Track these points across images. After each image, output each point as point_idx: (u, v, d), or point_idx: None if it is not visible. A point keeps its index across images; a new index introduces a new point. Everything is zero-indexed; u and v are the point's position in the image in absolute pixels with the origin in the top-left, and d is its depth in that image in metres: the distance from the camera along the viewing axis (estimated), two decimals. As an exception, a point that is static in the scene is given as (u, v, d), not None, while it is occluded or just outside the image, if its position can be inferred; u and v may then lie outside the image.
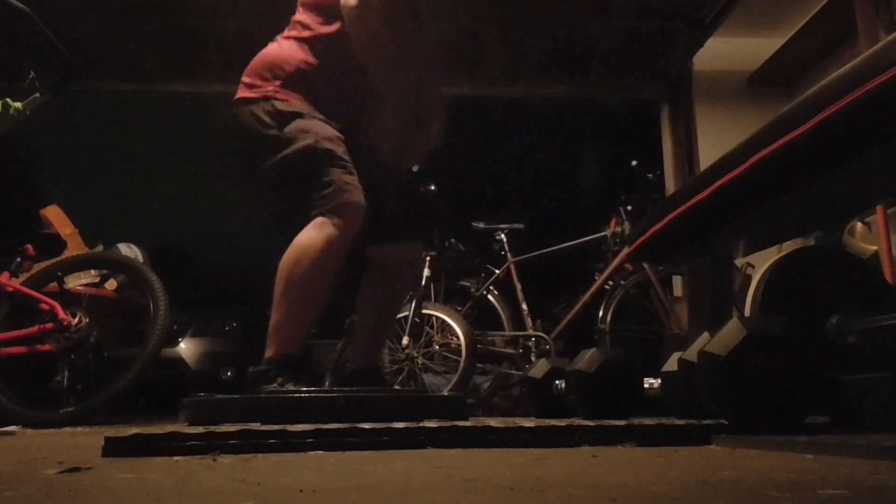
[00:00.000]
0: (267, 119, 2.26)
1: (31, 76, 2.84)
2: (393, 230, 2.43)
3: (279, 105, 2.27)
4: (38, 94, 2.87)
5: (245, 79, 2.37)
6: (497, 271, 4.31)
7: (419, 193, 2.57)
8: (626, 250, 3.86)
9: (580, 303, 4.11)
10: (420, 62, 2.53)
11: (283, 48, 2.38)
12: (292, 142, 2.22)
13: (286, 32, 2.42)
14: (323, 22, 2.35)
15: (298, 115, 2.26)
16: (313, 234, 2.15)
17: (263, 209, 2.57)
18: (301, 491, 0.89)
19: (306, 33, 2.36)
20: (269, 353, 2.15)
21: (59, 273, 3.42)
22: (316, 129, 2.24)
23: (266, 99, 2.29)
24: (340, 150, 2.24)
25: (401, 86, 2.35)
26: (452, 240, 4.63)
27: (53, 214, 4.02)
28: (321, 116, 2.29)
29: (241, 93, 2.35)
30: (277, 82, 2.31)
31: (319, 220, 2.15)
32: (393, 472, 1.09)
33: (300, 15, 2.41)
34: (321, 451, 1.44)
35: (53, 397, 3.19)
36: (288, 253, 2.16)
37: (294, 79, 2.31)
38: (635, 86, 5.25)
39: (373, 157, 2.35)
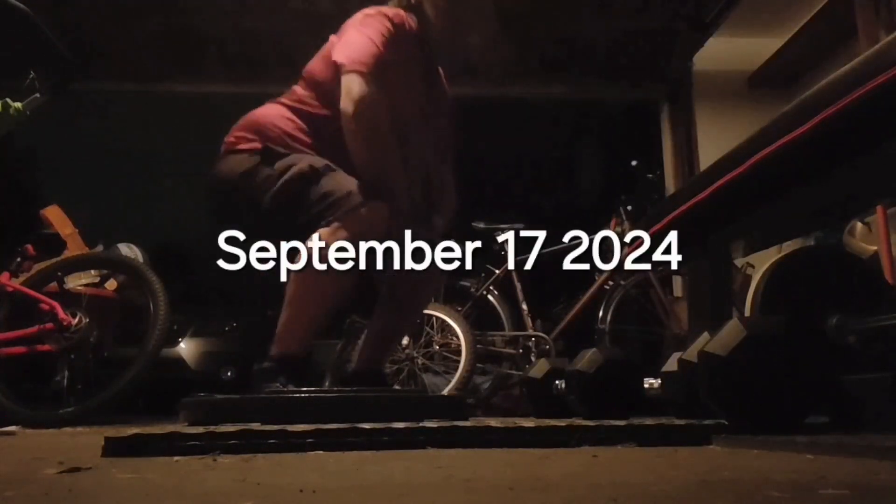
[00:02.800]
0: (252, 166, 2.22)
1: (31, 76, 2.84)
2: (433, 231, 2.43)
3: (266, 152, 2.23)
4: (38, 94, 2.86)
5: (230, 137, 2.33)
6: (497, 271, 4.31)
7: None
8: (626, 250, 3.86)
9: (580, 303, 4.11)
10: (430, 140, 2.47)
11: (275, 112, 2.33)
12: (285, 172, 2.19)
13: (281, 98, 2.37)
14: (318, 101, 2.30)
15: (287, 155, 2.23)
16: (327, 236, 2.11)
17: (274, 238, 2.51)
18: (301, 491, 0.89)
19: (300, 106, 2.32)
20: (273, 351, 2.15)
21: (59, 273, 3.42)
22: (307, 158, 2.21)
23: (253, 151, 2.25)
24: (335, 166, 2.20)
25: (399, 181, 2.27)
26: (452, 240, 4.62)
27: (53, 214, 4.02)
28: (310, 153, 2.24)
29: (227, 146, 2.32)
30: (262, 140, 2.26)
31: (335, 223, 2.11)
32: (393, 473, 1.09)
33: (299, 86, 2.37)
34: (321, 451, 1.44)
35: (53, 397, 3.19)
36: (304, 252, 2.13)
37: (282, 142, 2.26)
38: (635, 86, 5.25)
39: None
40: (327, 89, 2.26)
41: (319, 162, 2.21)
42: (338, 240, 2.09)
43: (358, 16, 2.29)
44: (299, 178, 2.18)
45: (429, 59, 2.43)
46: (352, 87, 2.14)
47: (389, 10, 2.31)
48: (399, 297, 2.45)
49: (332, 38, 2.33)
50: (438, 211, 2.53)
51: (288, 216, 2.20)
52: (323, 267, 2.08)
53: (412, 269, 2.38)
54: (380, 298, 2.47)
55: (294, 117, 2.31)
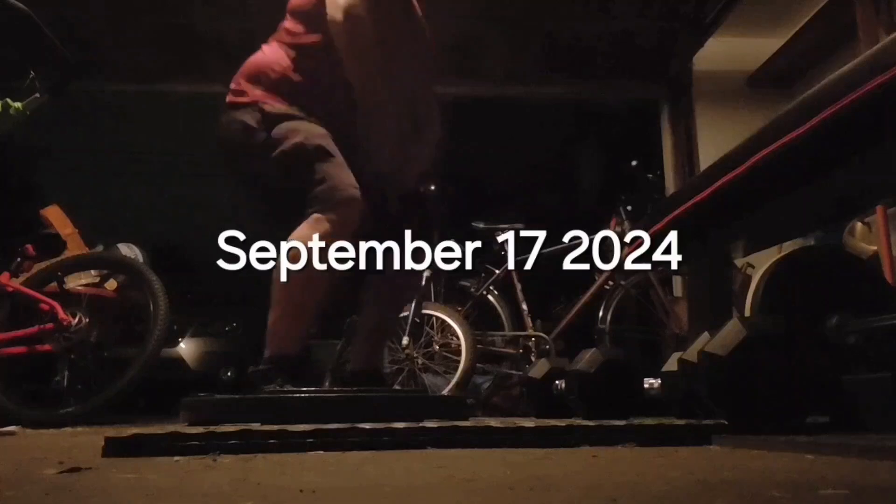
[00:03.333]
0: (254, 124, 2.26)
1: (31, 76, 2.84)
2: (398, 238, 2.41)
3: (266, 108, 2.26)
4: (38, 94, 2.86)
5: (233, 85, 2.37)
6: (497, 271, 4.31)
7: (423, 202, 2.55)
8: (626, 250, 3.86)
9: (580, 303, 4.11)
10: (413, 69, 2.51)
11: (269, 54, 2.37)
12: (282, 142, 2.22)
13: (273, 39, 2.41)
14: (307, 30, 2.34)
15: (286, 117, 2.25)
16: (307, 231, 2.14)
17: (262, 210, 2.56)
18: (301, 491, 0.89)
19: (291, 40, 2.36)
20: (267, 352, 2.15)
21: (59, 273, 3.42)
22: (304, 129, 2.24)
23: (253, 104, 2.28)
24: (331, 146, 2.23)
25: (390, 98, 2.32)
26: (452, 240, 4.62)
27: (53, 214, 4.02)
28: (309, 118, 2.27)
29: (230, 98, 2.35)
30: (262, 87, 2.30)
31: (314, 217, 2.14)
32: (393, 473, 1.09)
33: (286, 21, 2.40)
34: (321, 451, 1.44)
35: (53, 397, 3.19)
36: (283, 252, 2.16)
37: (279, 84, 2.30)
38: (635, 86, 5.25)
39: (370, 167, 2.32)
40: (313, 15, 2.30)
41: (312, 137, 2.22)
42: (314, 236, 2.13)
43: None
44: (293, 155, 2.20)
45: None
46: None
47: None
48: (385, 292, 2.47)
49: None
50: (423, 139, 2.54)
51: (276, 182, 2.27)
52: (299, 266, 2.12)
53: (393, 260, 2.41)
54: (367, 296, 2.48)
55: (289, 56, 2.34)
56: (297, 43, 2.35)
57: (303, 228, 2.15)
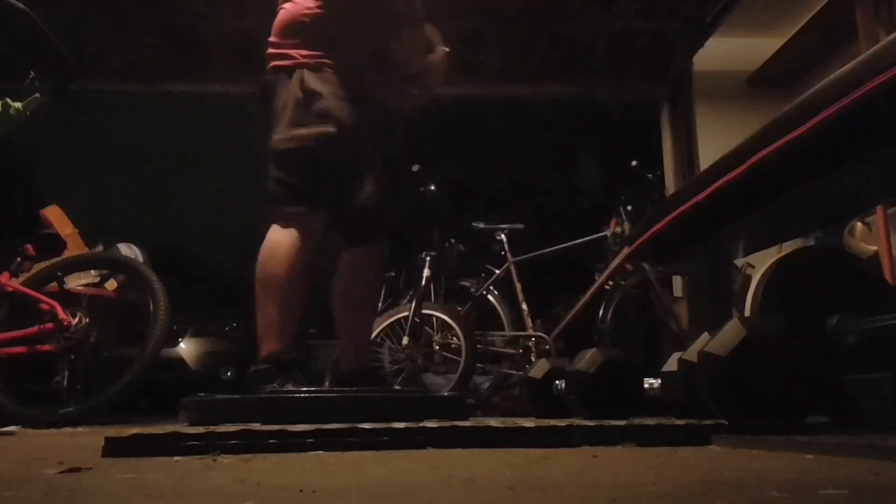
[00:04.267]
0: (299, 93, 2.30)
1: (31, 76, 2.84)
2: (357, 232, 2.47)
3: (308, 79, 2.30)
4: (38, 94, 2.86)
5: (272, 48, 2.41)
6: (497, 271, 4.31)
7: (382, 189, 2.57)
8: (626, 250, 3.86)
9: (580, 303, 4.10)
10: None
11: (294, 7, 2.41)
12: (312, 123, 2.27)
13: None
14: None
15: (322, 95, 2.29)
16: (280, 231, 2.24)
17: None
18: (301, 491, 0.89)
19: None
20: (261, 353, 2.18)
21: (59, 273, 3.42)
22: (337, 115, 2.28)
23: (298, 68, 2.33)
24: (347, 145, 2.28)
25: (421, 6, 2.44)
26: (452, 240, 4.62)
27: (53, 214, 4.02)
28: (341, 93, 2.31)
29: (273, 63, 2.40)
30: (299, 41, 2.35)
31: (281, 221, 2.25)
32: (393, 473, 1.09)
33: None
34: (321, 451, 1.44)
35: (53, 397, 3.19)
36: (260, 253, 2.25)
37: (314, 30, 2.35)
38: (635, 86, 5.24)
39: (391, 91, 2.43)
40: None
41: (338, 131, 2.26)
42: (289, 235, 2.23)
43: None
44: (316, 141, 2.26)
45: None
46: None
47: None
48: (344, 287, 2.50)
49: None
50: (429, 65, 2.60)
51: (275, 162, 2.34)
52: (282, 260, 2.21)
53: (350, 258, 2.48)
54: (333, 294, 2.51)
55: (314, 2, 2.38)
56: None
57: (276, 229, 2.25)
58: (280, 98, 2.34)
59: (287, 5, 2.43)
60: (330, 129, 2.25)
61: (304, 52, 2.34)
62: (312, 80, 2.30)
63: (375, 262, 2.53)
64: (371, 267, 2.53)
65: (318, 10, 2.35)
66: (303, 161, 2.27)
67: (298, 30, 2.36)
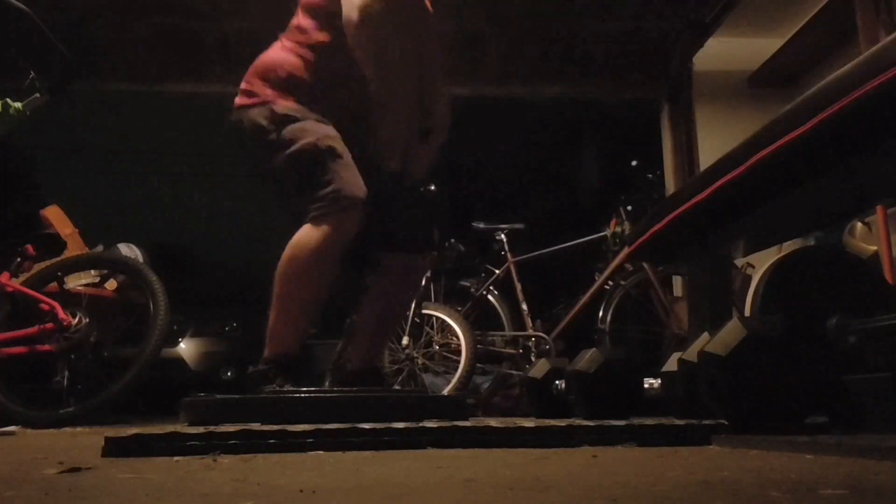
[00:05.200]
0: (265, 123, 2.25)
1: (31, 76, 2.84)
2: (398, 241, 2.43)
3: (276, 108, 2.26)
4: (38, 94, 2.87)
5: (243, 85, 2.37)
6: (497, 271, 4.31)
7: (424, 203, 2.57)
8: (626, 250, 3.86)
9: (580, 303, 4.11)
10: (425, 65, 2.51)
11: (279, 53, 2.37)
12: (293, 142, 2.22)
13: (284, 36, 2.41)
14: (320, 28, 2.33)
15: (296, 118, 2.25)
16: (309, 233, 2.16)
17: (277, 206, 2.56)
18: (301, 491, 0.89)
19: (302, 38, 2.35)
20: (266, 352, 2.16)
21: (59, 273, 3.42)
22: (315, 129, 2.24)
23: (263, 104, 2.28)
24: (341, 146, 2.23)
25: (403, 95, 2.34)
26: (452, 240, 4.63)
27: (53, 214, 4.02)
28: (318, 117, 2.27)
29: (240, 100, 2.35)
30: (273, 87, 2.30)
31: (317, 218, 2.16)
32: (393, 472, 1.09)
33: (298, 19, 2.40)
34: (321, 451, 1.44)
35: (53, 397, 3.19)
36: (285, 252, 2.17)
37: (289, 84, 2.30)
38: (635, 86, 5.24)
39: (378, 166, 2.33)
40: (327, 13, 2.29)
41: (322, 139, 2.22)
42: (319, 236, 2.14)
43: None
44: (304, 154, 2.21)
45: None
46: None
47: None
48: (386, 289, 2.47)
49: None
50: (432, 128, 2.55)
51: (284, 189, 2.28)
52: (300, 267, 2.14)
53: (396, 260, 2.43)
54: (368, 293, 2.49)
55: (299, 55, 2.33)
56: (309, 41, 2.34)
57: (304, 230, 2.16)
58: (249, 138, 2.29)
59: (271, 51, 2.38)
60: (310, 139, 2.20)
61: (275, 94, 2.29)
62: (281, 108, 2.25)
63: (422, 271, 2.54)
64: (418, 276, 2.53)
65: (295, 71, 2.31)
66: (306, 164, 2.21)
67: (273, 77, 2.31)
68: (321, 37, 2.33)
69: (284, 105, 2.27)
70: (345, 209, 2.16)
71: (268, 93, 2.30)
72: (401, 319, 2.75)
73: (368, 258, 2.41)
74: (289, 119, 2.25)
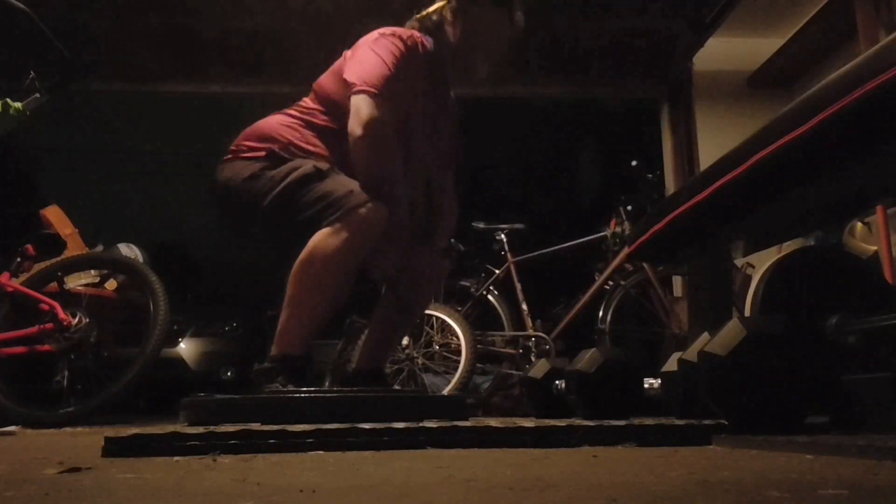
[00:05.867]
0: (257, 167, 2.23)
1: (31, 76, 2.84)
2: (435, 239, 2.45)
3: (271, 156, 2.24)
4: (38, 94, 2.87)
5: (235, 145, 2.33)
6: (497, 271, 4.31)
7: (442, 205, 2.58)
8: (626, 250, 3.86)
9: (580, 303, 4.11)
10: (433, 152, 2.49)
11: (283, 123, 2.33)
12: (290, 173, 2.19)
13: (289, 109, 2.38)
14: (326, 113, 2.31)
15: (290, 158, 2.23)
16: (329, 236, 2.11)
17: (274, 245, 2.50)
18: (301, 491, 0.89)
19: (307, 116, 2.33)
20: (273, 351, 2.16)
21: (59, 273, 3.42)
22: (310, 161, 2.22)
23: (255, 159, 2.26)
24: (336, 169, 2.21)
25: (406, 190, 2.29)
26: (452, 240, 4.62)
27: (53, 214, 4.02)
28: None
29: (232, 153, 2.32)
30: (269, 150, 2.26)
31: (337, 223, 2.11)
32: (393, 472, 1.09)
33: (309, 100, 2.37)
34: (321, 451, 1.44)
35: (53, 397, 3.19)
36: (302, 254, 2.12)
37: (286, 151, 2.26)
38: (635, 86, 5.25)
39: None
40: (337, 104, 2.27)
41: (324, 164, 2.21)
42: (339, 240, 2.09)
43: (373, 34, 2.28)
44: (303, 179, 2.18)
45: (440, 75, 2.43)
46: (361, 109, 2.15)
47: (404, 31, 2.31)
48: (401, 296, 2.45)
49: (346, 53, 2.33)
50: (439, 224, 2.54)
51: (286, 216, 2.20)
52: (323, 267, 2.09)
53: (414, 268, 2.40)
54: (381, 298, 2.48)
55: (301, 127, 2.31)
56: (313, 121, 2.32)
57: (323, 234, 2.11)
58: (236, 186, 2.24)
59: (275, 116, 2.34)
60: (305, 165, 2.18)
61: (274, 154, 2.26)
62: (274, 157, 2.23)
63: (446, 270, 2.52)
64: (440, 278, 2.53)
65: (300, 143, 2.27)
66: (311, 180, 2.17)
67: (269, 143, 2.27)
68: (328, 123, 2.30)
69: (279, 154, 2.25)
70: (362, 211, 2.11)
71: (263, 153, 2.26)
72: (413, 323, 2.70)
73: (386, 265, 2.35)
74: (282, 160, 2.22)
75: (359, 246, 2.12)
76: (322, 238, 2.11)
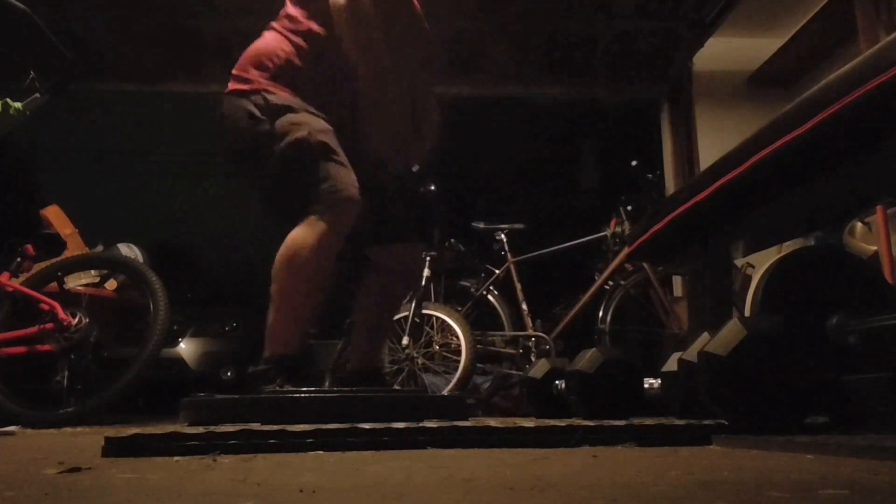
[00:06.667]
0: (258, 113, 2.23)
1: (31, 76, 2.84)
2: (393, 231, 2.42)
3: (270, 98, 2.24)
4: (38, 94, 2.87)
5: (235, 72, 2.35)
6: (497, 271, 4.31)
7: (419, 194, 2.55)
8: (626, 250, 3.86)
9: (580, 303, 4.11)
10: (413, 63, 2.50)
11: (271, 41, 2.35)
12: (285, 135, 2.19)
13: (274, 24, 2.40)
14: (309, 16, 2.32)
15: (289, 108, 2.23)
16: (306, 231, 2.13)
17: (259, 204, 2.54)
18: (301, 491, 0.89)
19: (293, 26, 2.34)
20: (266, 352, 2.16)
21: (59, 273, 3.42)
22: (308, 122, 2.22)
23: (256, 92, 2.26)
24: (334, 142, 2.22)
25: (394, 89, 2.32)
26: (452, 240, 4.63)
27: (53, 214, 4.02)
28: (312, 109, 2.25)
29: (232, 85, 2.33)
30: (266, 74, 2.28)
31: (312, 218, 2.14)
32: (393, 472, 1.09)
33: (288, 7, 2.38)
34: (321, 451, 1.44)
35: (53, 397, 3.19)
36: (281, 251, 2.15)
37: (282, 71, 2.28)
38: (635, 86, 5.25)
39: (370, 159, 2.32)
40: (315, 3, 2.29)
41: (315, 133, 2.20)
42: (314, 237, 2.12)
43: None
44: (295, 149, 2.18)
45: None
46: None
47: None
48: (381, 286, 2.47)
49: None
50: (421, 134, 2.55)
51: (272, 184, 2.25)
52: (297, 267, 2.13)
53: (385, 263, 2.42)
54: (362, 290, 2.48)
55: (291, 43, 2.32)
56: (299, 29, 2.33)
57: (301, 228, 2.15)
58: (238, 126, 2.26)
59: (264, 37, 2.37)
60: (302, 133, 2.18)
61: (268, 82, 2.27)
62: (274, 98, 2.23)
63: (418, 264, 2.51)
64: (414, 269, 2.51)
65: (290, 57, 2.29)
66: (298, 163, 2.18)
67: (266, 65, 2.29)
68: (311, 25, 2.31)
69: (279, 95, 2.25)
70: (341, 207, 2.14)
71: (262, 80, 2.28)
72: (393, 317, 2.69)
73: (361, 256, 2.40)
74: (282, 109, 2.23)
75: (335, 240, 2.15)
76: (299, 234, 2.14)
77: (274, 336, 2.16)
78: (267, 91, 2.25)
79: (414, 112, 2.51)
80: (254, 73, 2.30)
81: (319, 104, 2.28)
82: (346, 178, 2.18)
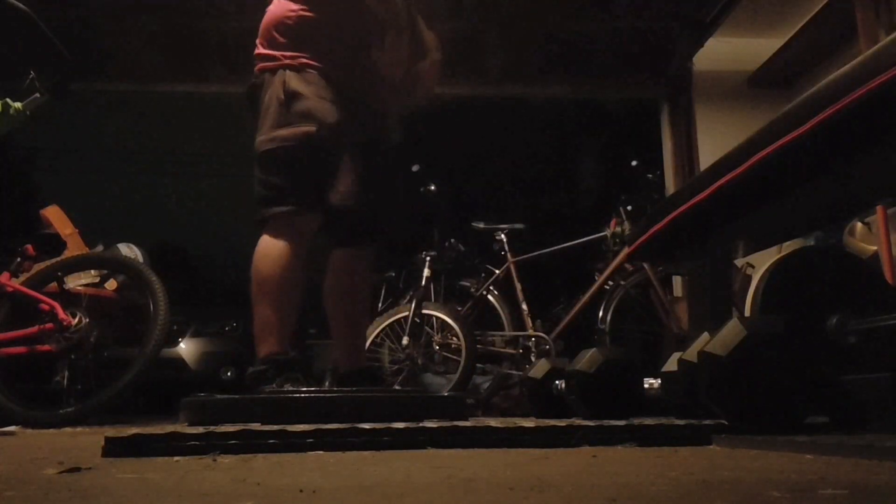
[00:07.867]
0: (282, 95, 2.30)
1: (31, 76, 2.84)
2: (345, 233, 2.47)
3: (290, 80, 2.30)
4: (38, 94, 2.87)
5: (257, 50, 2.42)
6: (497, 271, 4.31)
7: (397, 179, 2.60)
8: (626, 250, 3.86)
9: (580, 303, 4.11)
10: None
11: (276, 9, 2.41)
12: (293, 124, 2.26)
13: None
14: None
15: (302, 95, 2.29)
16: (267, 246, 2.24)
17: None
18: (301, 491, 0.89)
19: None
20: (259, 353, 2.19)
21: (59, 273, 3.41)
22: (320, 116, 2.27)
23: (281, 69, 2.33)
24: (329, 144, 2.28)
25: (405, 14, 2.43)
26: (452, 240, 4.63)
27: (53, 214, 4.02)
28: (322, 92, 2.30)
29: (260, 64, 2.40)
30: (283, 42, 2.35)
31: (273, 232, 2.24)
32: (393, 472, 1.09)
33: None
34: (321, 451, 1.44)
35: (53, 397, 3.19)
36: (254, 256, 2.25)
37: (297, 32, 2.34)
38: (635, 86, 5.25)
39: (374, 108, 2.43)
40: None
41: (322, 129, 2.26)
42: (277, 251, 2.22)
43: None
44: (296, 139, 2.25)
45: None
46: None
47: None
48: (337, 288, 2.50)
49: None
50: (418, 73, 2.61)
51: (262, 163, 2.32)
52: (269, 272, 2.21)
53: (338, 260, 2.49)
54: (324, 296, 2.51)
55: (295, 3, 2.37)
56: None
57: (265, 241, 2.25)
58: (264, 100, 2.34)
59: (271, 7, 2.43)
60: (311, 128, 2.24)
61: (288, 54, 2.34)
62: (294, 82, 2.30)
63: (363, 263, 2.52)
64: (359, 269, 2.52)
65: (300, 13, 2.34)
66: (285, 161, 2.26)
67: (282, 31, 2.36)
68: None
69: (298, 75, 2.31)
70: (295, 213, 2.25)
71: (278, 54, 2.35)
72: (363, 316, 2.71)
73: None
74: (297, 97, 2.29)
75: (298, 252, 2.25)
76: (263, 247, 2.24)
77: (260, 337, 2.22)
78: (289, 68, 2.32)
79: (415, 39, 2.58)
80: (274, 46, 2.37)
81: (334, 55, 2.34)
82: (313, 196, 2.27)
